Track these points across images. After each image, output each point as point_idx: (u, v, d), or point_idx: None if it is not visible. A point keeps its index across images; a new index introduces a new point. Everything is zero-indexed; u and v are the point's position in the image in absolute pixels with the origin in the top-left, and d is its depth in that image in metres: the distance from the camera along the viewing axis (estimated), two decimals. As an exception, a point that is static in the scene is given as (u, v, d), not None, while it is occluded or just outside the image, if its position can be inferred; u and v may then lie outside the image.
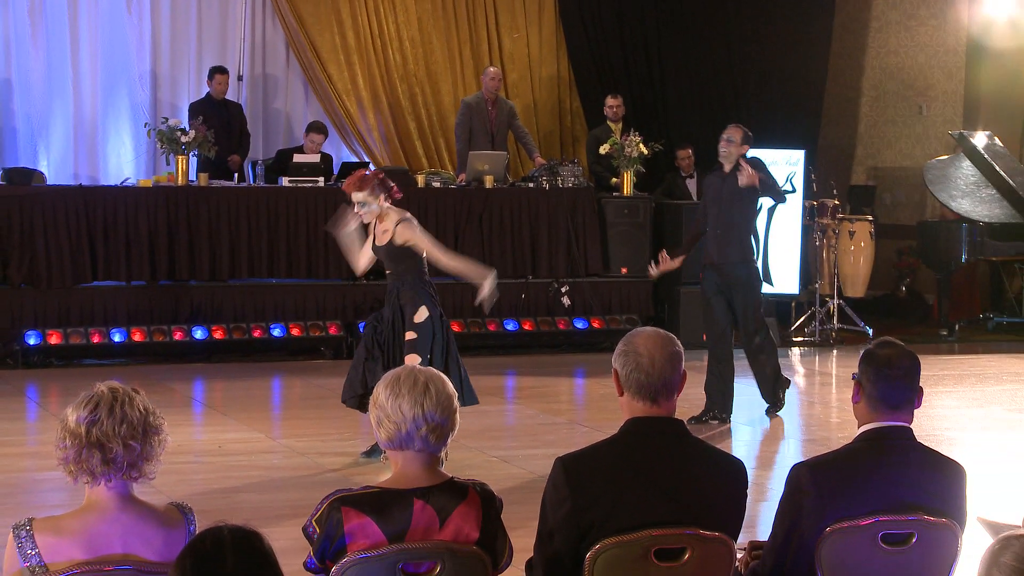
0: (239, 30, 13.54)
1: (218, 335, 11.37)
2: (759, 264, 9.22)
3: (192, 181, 11.74)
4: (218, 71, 12.67)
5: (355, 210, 7.68)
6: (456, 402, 3.46)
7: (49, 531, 3.22)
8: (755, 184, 8.89)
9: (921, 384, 3.78)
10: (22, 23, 12.77)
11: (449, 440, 3.45)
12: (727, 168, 9.01)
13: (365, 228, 7.86)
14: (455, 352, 7.74)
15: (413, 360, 7.49)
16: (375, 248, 7.77)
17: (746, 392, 11.09)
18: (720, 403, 9.11)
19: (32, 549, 3.19)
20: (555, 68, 14.54)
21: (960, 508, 3.74)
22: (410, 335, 7.59)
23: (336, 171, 12.44)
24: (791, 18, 14.78)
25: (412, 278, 7.67)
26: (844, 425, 8.93)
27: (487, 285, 7.68)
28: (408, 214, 7.78)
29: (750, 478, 3.65)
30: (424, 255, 7.69)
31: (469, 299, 12.15)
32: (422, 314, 7.61)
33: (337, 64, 13.66)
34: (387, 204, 7.67)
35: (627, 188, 12.75)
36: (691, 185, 13.43)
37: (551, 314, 12.31)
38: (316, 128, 12.55)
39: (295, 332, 11.57)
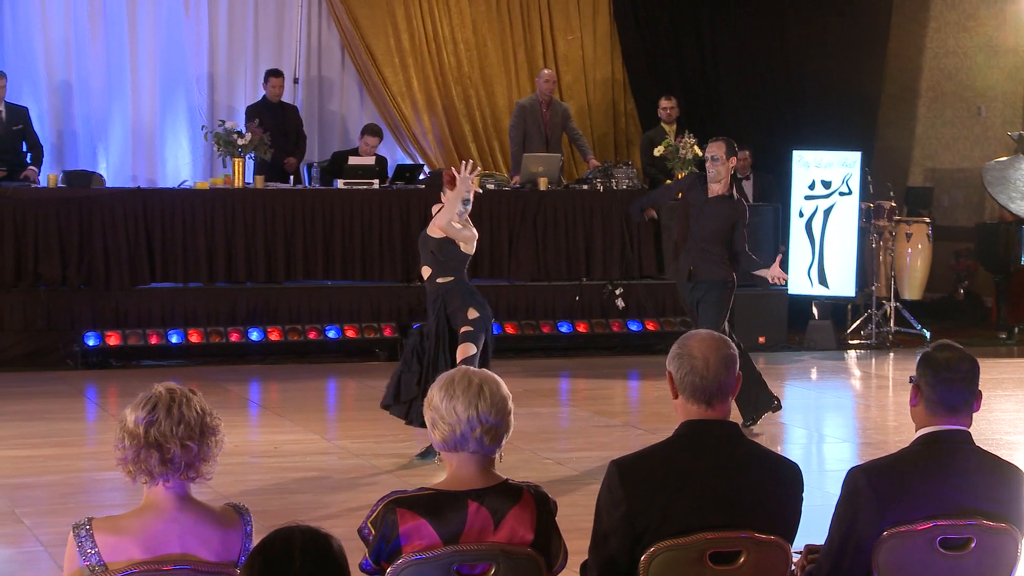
0: (295, 33, 13.62)
1: (274, 336, 11.44)
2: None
3: (248, 183, 11.82)
4: (273, 74, 12.75)
5: (460, 208, 7.75)
6: (511, 403, 3.46)
7: (108, 530, 3.25)
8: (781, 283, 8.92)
9: (980, 387, 3.75)
10: (82, 27, 12.91)
11: (504, 442, 3.45)
12: (718, 191, 8.70)
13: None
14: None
15: (467, 350, 7.54)
16: (427, 239, 7.93)
17: (801, 395, 11.04)
18: (747, 408, 8.79)
19: (92, 548, 3.22)
20: (609, 70, 14.52)
21: (1020, 513, 3.70)
22: (466, 328, 7.65)
23: (391, 174, 12.48)
24: (848, 18, 14.67)
25: (458, 285, 7.81)
26: (901, 428, 8.86)
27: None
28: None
29: (806, 481, 3.63)
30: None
31: (523, 301, 12.22)
32: (473, 312, 7.68)
33: (392, 67, 13.71)
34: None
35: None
36: (747, 187, 13.36)
37: (605, 316, 12.29)
38: (371, 131, 12.60)
39: (350, 334, 11.62)
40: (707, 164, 8.76)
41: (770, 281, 8.90)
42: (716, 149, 8.67)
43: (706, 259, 8.64)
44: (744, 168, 13.41)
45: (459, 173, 7.78)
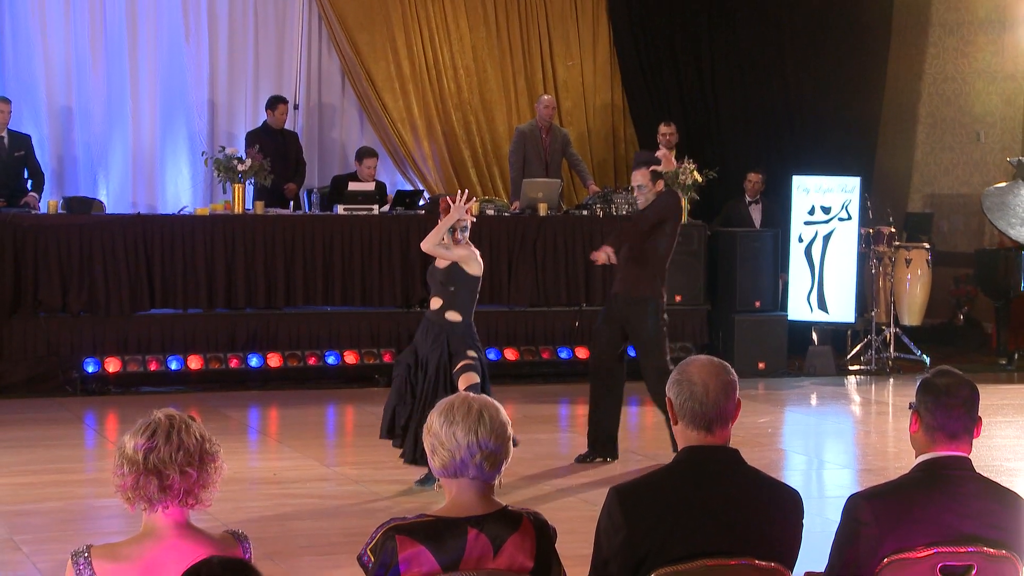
0: (295, 59, 13.66)
1: (273, 363, 11.44)
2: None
3: (248, 209, 11.83)
4: (275, 101, 12.77)
5: (457, 236, 7.85)
6: (510, 429, 3.46)
7: (107, 558, 3.25)
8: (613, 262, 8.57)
9: (980, 414, 3.75)
10: (83, 53, 12.94)
11: (503, 468, 3.45)
12: (641, 205, 8.63)
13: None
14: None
15: (469, 379, 7.55)
16: (434, 271, 7.98)
17: (801, 421, 11.03)
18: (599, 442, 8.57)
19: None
20: (609, 96, 14.56)
21: (1020, 540, 3.69)
22: (465, 362, 7.67)
23: (391, 199, 12.49)
24: (847, 45, 14.71)
25: (464, 327, 7.85)
26: (901, 455, 8.85)
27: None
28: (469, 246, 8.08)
29: (805, 507, 3.63)
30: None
31: (522, 326, 12.21)
32: (472, 353, 7.77)
33: (392, 93, 13.74)
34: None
35: (682, 216, 12.69)
36: (755, 211, 13.36)
37: (605, 342, 12.26)
38: (368, 153, 12.61)
39: (350, 360, 11.62)
40: (635, 193, 8.65)
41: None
42: (640, 178, 8.52)
43: (634, 276, 8.55)
44: (754, 192, 13.39)
45: (454, 202, 7.84)
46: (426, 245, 7.92)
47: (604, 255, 8.49)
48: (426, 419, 3.47)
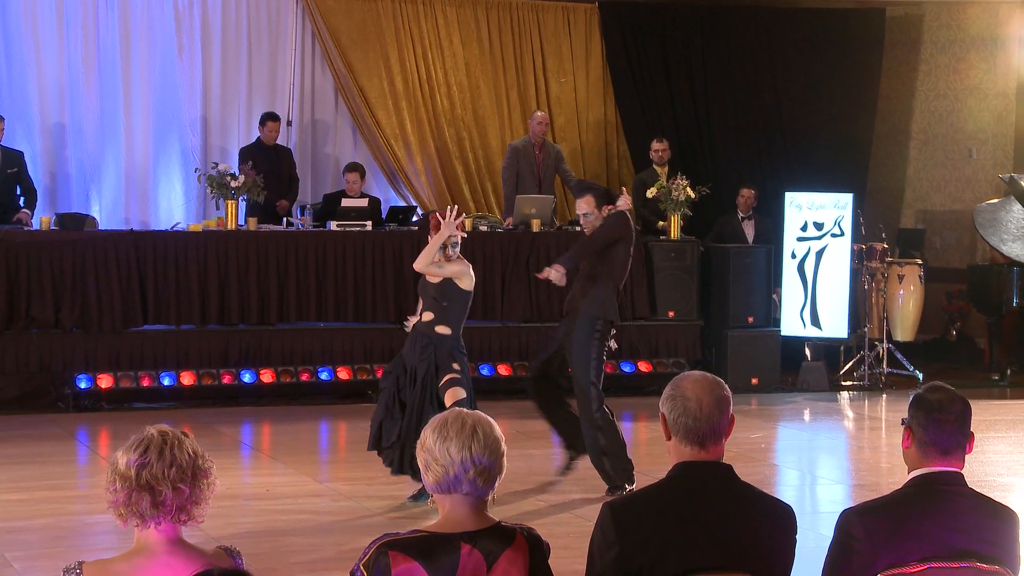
0: (288, 76, 13.67)
1: (266, 379, 11.43)
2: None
3: (241, 226, 11.83)
4: (270, 118, 12.77)
5: (449, 252, 7.85)
6: (504, 445, 3.45)
7: (99, 574, 3.24)
8: (559, 283, 8.36)
9: (972, 429, 3.75)
10: (76, 70, 12.94)
11: (497, 484, 3.45)
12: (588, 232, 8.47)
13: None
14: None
15: (456, 395, 7.55)
16: (426, 285, 7.94)
17: (794, 437, 11.03)
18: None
19: (82, 592, 3.21)
20: (602, 112, 14.58)
21: (1014, 555, 3.69)
22: (450, 376, 7.68)
23: (384, 215, 12.50)
24: (839, 61, 14.76)
25: (453, 340, 7.84)
26: (894, 470, 8.85)
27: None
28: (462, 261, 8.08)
29: (799, 523, 3.63)
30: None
31: (515, 342, 12.21)
32: (456, 365, 7.77)
33: (385, 109, 13.76)
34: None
35: (674, 232, 12.74)
36: (748, 227, 13.38)
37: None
38: (349, 168, 12.63)
39: (343, 375, 11.62)
40: (581, 221, 8.47)
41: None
42: (585, 206, 8.35)
43: (583, 294, 8.38)
44: (746, 207, 13.41)
45: (444, 219, 7.87)
46: (419, 265, 7.93)
47: (555, 274, 8.36)
48: (416, 430, 3.47)
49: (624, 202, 8.55)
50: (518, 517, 7.42)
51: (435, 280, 7.90)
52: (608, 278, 8.34)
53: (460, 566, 3.34)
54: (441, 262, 7.88)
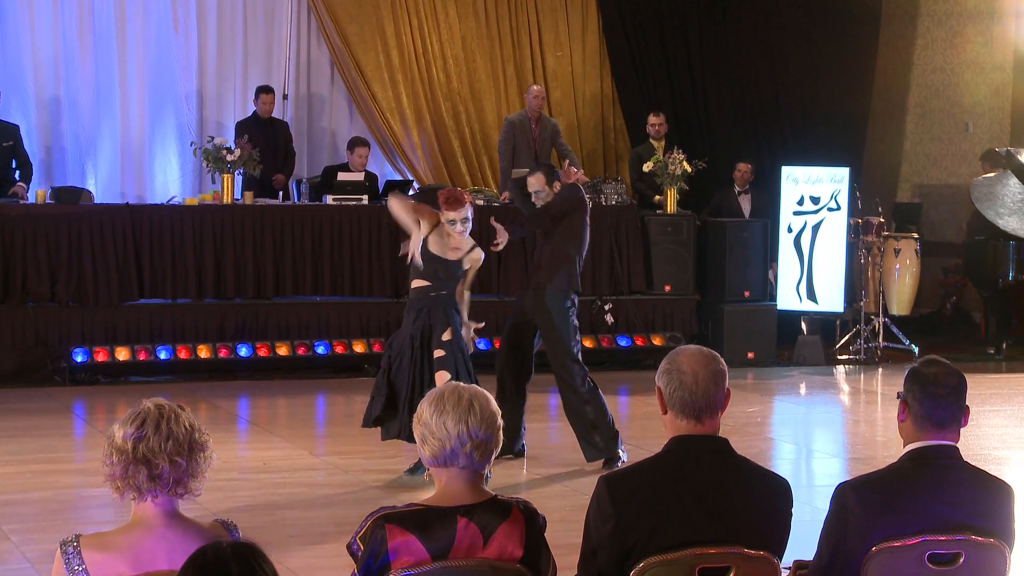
0: (284, 49, 13.62)
1: (262, 352, 11.43)
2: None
3: (237, 200, 11.81)
4: (264, 90, 12.74)
5: (457, 229, 7.69)
6: (500, 419, 3.46)
7: (96, 547, 3.24)
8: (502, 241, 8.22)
9: (968, 403, 3.76)
10: (71, 43, 12.90)
11: (493, 458, 3.45)
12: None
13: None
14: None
15: (442, 377, 7.51)
16: (435, 258, 7.76)
17: (790, 411, 11.05)
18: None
19: (79, 565, 3.21)
20: (598, 86, 14.54)
21: (1008, 528, 3.70)
22: (438, 353, 7.63)
23: (381, 189, 12.48)
24: (835, 35, 14.72)
25: (448, 298, 7.75)
26: (889, 444, 8.87)
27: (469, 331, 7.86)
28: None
29: (795, 497, 3.63)
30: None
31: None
32: (448, 333, 7.67)
33: (381, 83, 13.72)
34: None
35: (671, 206, 12.74)
36: (744, 201, 13.37)
37: (594, 332, 12.29)
38: (360, 142, 12.58)
39: (339, 350, 11.62)
40: (532, 198, 8.42)
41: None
42: (536, 183, 8.36)
43: (545, 268, 8.35)
44: (743, 181, 13.39)
45: (454, 202, 7.66)
46: (456, 252, 7.76)
47: (502, 235, 8.25)
48: (416, 397, 3.47)
49: (578, 175, 8.55)
50: (514, 491, 7.43)
51: (454, 257, 7.76)
52: (571, 251, 8.34)
53: (456, 539, 3.35)
54: (460, 246, 7.73)
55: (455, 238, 7.74)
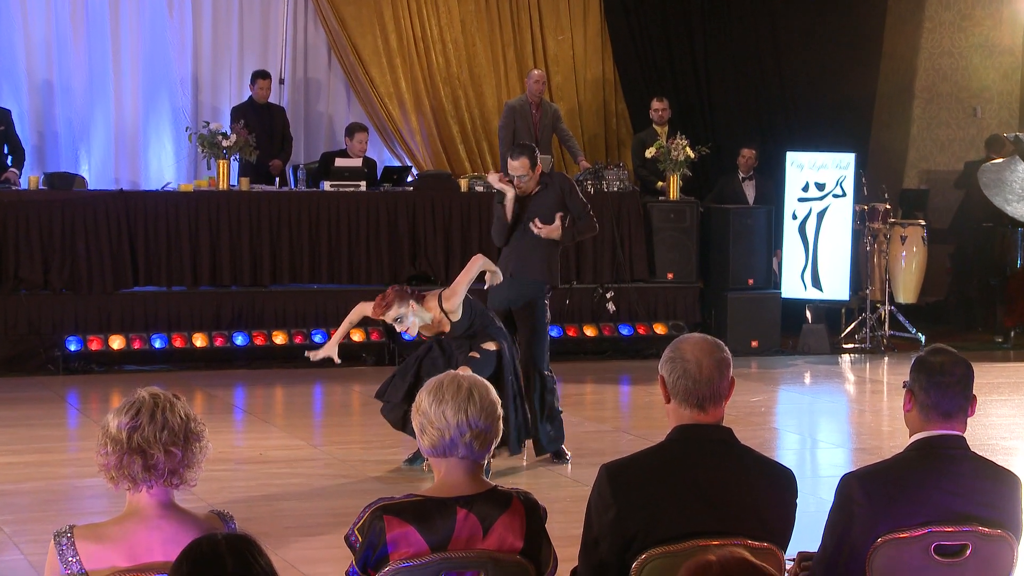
0: (281, 33, 13.60)
1: (259, 341, 11.43)
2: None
3: (233, 186, 11.81)
4: (260, 75, 12.73)
5: (398, 327, 7.58)
6: (500, 409, 3.46)
7: (90, 538, 3.24)
8: (556, 237, 8.23)
9: (975, 392, 3.76)
10: (64, 27, 12.88)
11: (493, 447, 3.45)
12: (522, 192, 8.34)
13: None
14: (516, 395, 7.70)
15: (465, 372, 7.43)
16: (446, 337, 7.65)
17: (794, 400, 11.06)
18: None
19: (73, 556, 3.22)
20: (600, 70, 14.52)
21: (1016, 519, 3.71)
22: (474, 355, 7.58)
23: (380, 175, 12.47)
24: (841, 18, 14.68)
25: (490, 322, 7.74)
26: (895, 434, 8.87)
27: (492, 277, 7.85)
28: (438, 292, 7.66)
29: (799, 487, 3.64)
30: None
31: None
32: (493, 345, 7.62)
33: (379, 67, 13.70)
34: (417, 305, 7.53)
35: (674, 192, 12.73)
36: (748, 187, 13.35)
37: (596, 320, 12.29)
38: (359, 128, 12.56)
39: (337, 338, 11.59)
40: (515, 182, 8.31)
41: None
42: (520, 168, 8.24)
43: (531, 258, 8.31)
44: (747, 167, 13.38)
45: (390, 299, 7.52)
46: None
47: (552, 231, 8.24)
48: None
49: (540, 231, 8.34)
50: (515, 481, 7.44)
51: (446, 327, 7.60)
52: (555, 243, 8.34)
53: (456, 530, 3.35)
54: (421, 316, 7.51)
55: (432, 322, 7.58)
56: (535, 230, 8.25)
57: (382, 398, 7.82)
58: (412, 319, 7.49)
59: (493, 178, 8.63)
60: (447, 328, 7.58)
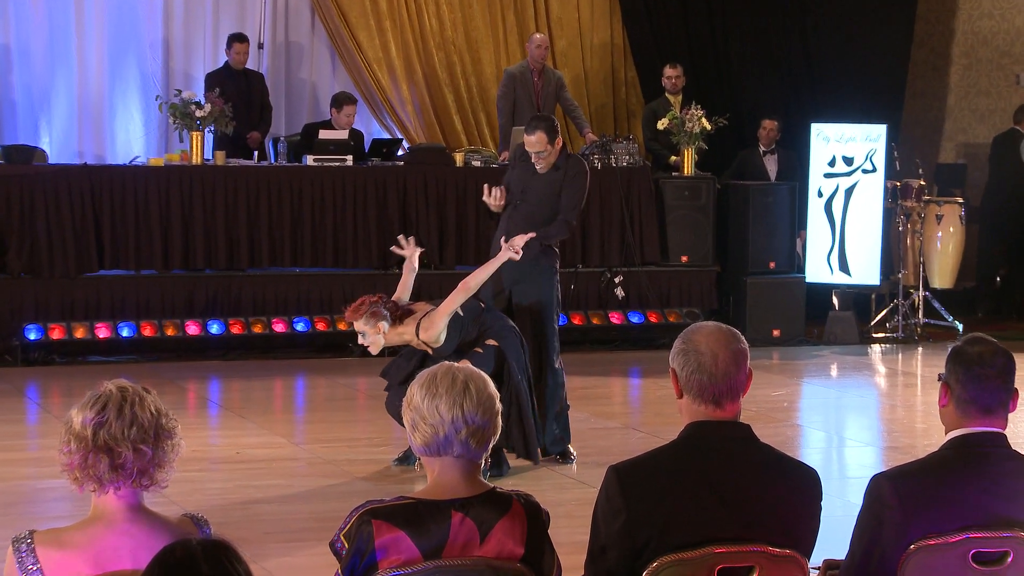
0: (260, -8, 13.60)
1: (236, 329, 11.45)
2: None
3: (208, 160, 11.82)
4: (237, 39, 12.73)
5: (360, 340, 7.57)
6: (499, 404, 3.46)
7: (52, 544, 3.25)
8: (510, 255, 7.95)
9: (1017, 385, 3.77)
10: (22, -14, 12.89)
11: (490, 445, 3.46)
12: (545, 169, 8.28)
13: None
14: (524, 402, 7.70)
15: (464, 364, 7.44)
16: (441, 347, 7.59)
17: (820, 394, 11.08)
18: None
19: (33, 564, 3.22)
20: (608, 34, 14.52)
21: (1061, 524, 3.72)
22: (477, 350, 7.58)
23: (368, 148, 12.48)
24: (872, -22, 14.69)
25: (498, 320, 7.76)
26: (930, 431, 8.90)
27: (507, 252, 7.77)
28: (426, 309, 7.60)
29: (825, 489, 3.65)
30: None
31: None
32: (494, 341, 7.65)
33: (367, 30, 13.70)
34: (389, 329, 7.46)
35: (688, 167, 12.73)
36: (770, 162, 13.35)
37: (603, 307, 12.31)
38: (347, 99, 12.55)
39: (320, 327, 11.63)
40: (532, 159, 8.22)
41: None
42: (537, 143, 8.10)
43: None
44: (768, 141, 13.38)
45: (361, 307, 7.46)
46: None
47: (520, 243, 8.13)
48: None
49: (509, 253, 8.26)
50: (515, 482, 7.46)
51: (428, 350, 7.57)
52: (552, 214, 8.36)
53: (450, 536, 3.36)
54: (438, 318, 7.49)
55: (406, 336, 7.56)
56: (510, 253, 8.01)
57: (386, 376, 7.83)
58: (377, 338, 7.45)
59: (486, 195, 8.47)
60: (430, 351, 7.56)
